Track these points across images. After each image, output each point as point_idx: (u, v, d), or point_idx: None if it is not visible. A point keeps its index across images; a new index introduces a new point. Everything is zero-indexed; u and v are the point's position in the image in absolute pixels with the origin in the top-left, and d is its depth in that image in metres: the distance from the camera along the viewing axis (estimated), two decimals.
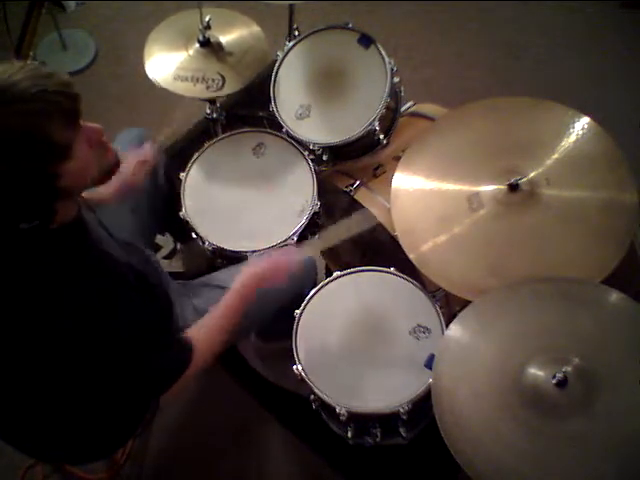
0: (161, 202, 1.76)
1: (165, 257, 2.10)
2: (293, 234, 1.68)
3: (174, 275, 1.62)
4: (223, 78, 1.83)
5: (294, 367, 1.48)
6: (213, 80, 1.83)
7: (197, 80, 1.82)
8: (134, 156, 1.60)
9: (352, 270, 1.60)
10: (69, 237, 1.11)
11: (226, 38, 1.89)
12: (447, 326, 1.36)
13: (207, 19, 1.83)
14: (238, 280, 1.39)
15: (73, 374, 1.15)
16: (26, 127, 0.96)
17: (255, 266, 1.41)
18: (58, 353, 1.10)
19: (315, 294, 1.57)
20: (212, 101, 1.97)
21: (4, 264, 1.08)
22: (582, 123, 1.46)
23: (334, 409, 1.42)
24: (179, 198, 1.75)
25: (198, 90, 1.82)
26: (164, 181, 1.78)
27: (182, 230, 1.78)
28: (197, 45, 1.86)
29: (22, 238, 1.06)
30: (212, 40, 1.86)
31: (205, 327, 1.32)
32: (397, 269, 1.58)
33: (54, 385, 1.19)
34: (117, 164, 1.17)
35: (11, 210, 1.02)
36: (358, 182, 1.74)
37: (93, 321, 1.08)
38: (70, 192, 1.07)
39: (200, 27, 1.83)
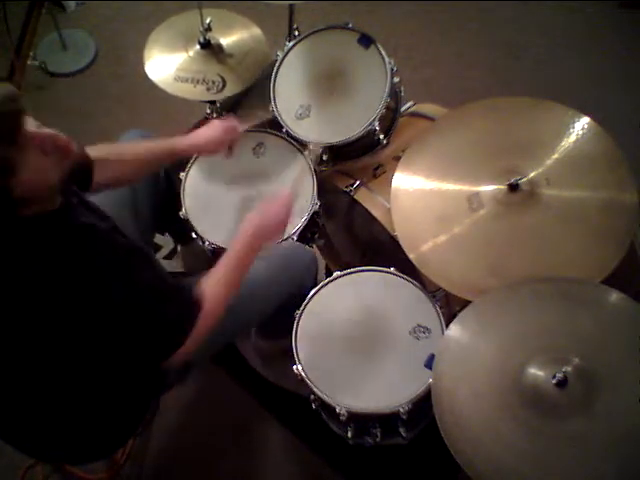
0: (161, 202, 1.76)
1: (165, 257, 2.10)
2: (293, 234, 1.68)
3: (174, 275, 1.62)
4: (223, 80, 1.83)
5: (294, 367, 1.48)
6: (213, 82, 1.83)
7: (197, 82, 1.82)
8: (218, 123, 1.61)
9: (352, 270, 1.60)
10: (52, 222, 1.11)
11: (226, 40, 1.89)
12: (447, 326, 1.36)
13: (208, 21, 1.83)
14: (243, 231, 1.36)
15: (75, 351, 1.15)
16: None
17: (255, 219, 1.38)
18: (56, 333, 1.12)
19: (315, 294, 1.57)
20: (212, 101, 1.97)
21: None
22: (582, 123, 1.46)
23: (334, 409, 1.42)
24: (179, 198, 1.75)
25: (198, 92, 1.82)
26: (164, 181, 1.78)
27: (182, 230, 1.78)
28: (197, 47, 1.86)
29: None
30: (212, 42, 1.86)
31: (215, 278, 1.30)
32: (397, 269, 1.58)
33: (55, 372, 1.19)
34: (86, 163, 1.21)
35: None
36: (358, 182, 1.74)
37: (86, 294, 1.09)
38: (31, 199, 1.06)
39: (201, 29, 1.83)
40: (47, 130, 1.07)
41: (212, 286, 1.28)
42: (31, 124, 1.04)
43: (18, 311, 1.11)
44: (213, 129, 1.59)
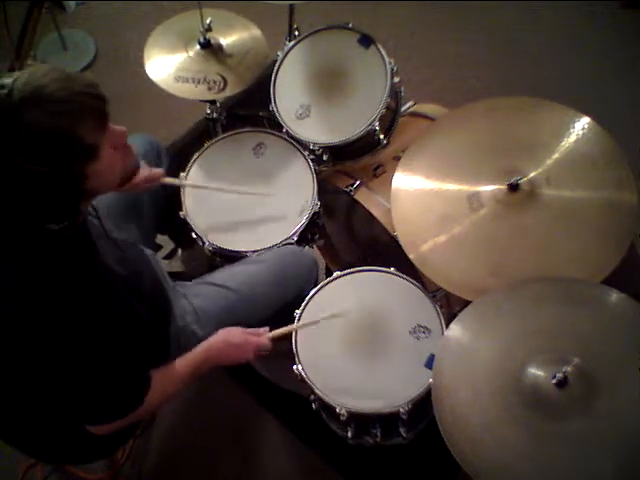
0: (163, 203, 1.76)
1: (165, 257, 2.10)
2: (293, 234, 1.68)
3: (174, 275, 1.62)
4: (224, 80, 1.82)
5: (294, 367, 1.48)
6: (214, 82, 1.82)
7: (198, 81, 1.82)
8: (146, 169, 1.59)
9: (352, 270, 1.60)
10: (77, 241, 1.12)
11: (226, 40, 1.89)
12: (447, 326, 1.36)
13: (208, 21, 1.83)
14: (207, 347, 1.37)
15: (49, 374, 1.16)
16: (56, 128, 0.97)
17: (223, 346, 1.39)
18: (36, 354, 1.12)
19: (315, 294, 1.57)
20: (212, 101, 1.97)
21: (26, 264, 1.08)
22: (582, 123, 1.46)
23: (334, 409, 1.42)
24: (179, 198, 1.74)
25: (199, 92, 1.81)
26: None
27: (182, 232, 1.77)
28: (197, 47, 1.86)
29: (49, 239, 1.07)
30: (212, 42, 1.86)
31: (168, 376, 1.31)
32: (397, 269, 1.58)
33: (43, 384, 1.20)
34: (137, 168, 1.20)
35: (39, 209, 1.03)
36: (358, 182, 1.74)
37: (69, 328, 1.09)
38: (94, 193, 1.09)
39: (201, 29, 1.83)
40: (118, 127, 1.09)
41: (162, 384, 1.29)
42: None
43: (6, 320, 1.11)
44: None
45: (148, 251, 1.52)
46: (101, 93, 1.03)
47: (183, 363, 1.34)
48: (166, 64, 1.85)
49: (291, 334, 1.51)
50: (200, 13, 1.81)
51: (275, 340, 1.45)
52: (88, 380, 1.16)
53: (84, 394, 1.18)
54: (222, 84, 1.82)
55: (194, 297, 1.54)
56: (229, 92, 1.83)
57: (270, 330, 1.46)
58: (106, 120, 1.04)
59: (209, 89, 1.82)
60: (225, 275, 1.61)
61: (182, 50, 1.87)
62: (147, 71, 1.84)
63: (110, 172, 1.09)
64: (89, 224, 1.20)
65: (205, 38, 1.85)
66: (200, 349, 1.37)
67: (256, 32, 1.92)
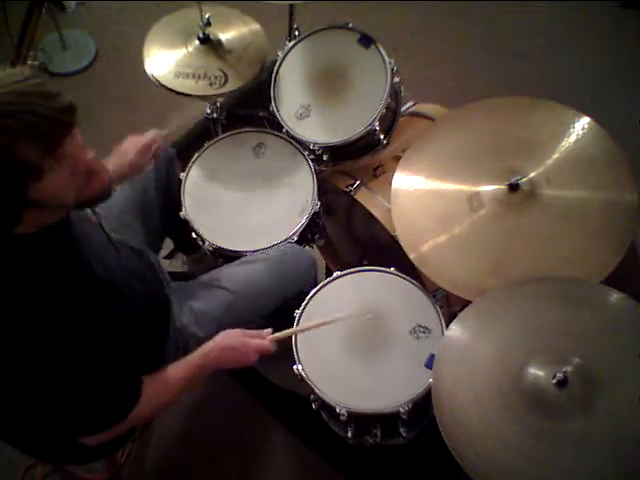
0: (171, 206, 1.75)
1: (165, 257, 2.10)
2: (293, 234, 1.68)
3: (174, 275, 1.62)
4: (225, 75, 1.82)
5: (294, 367, 1.48)
6: (215, 77, 1.82)
7: (199, 77, 1.82)
8: (133, 141, 1.56)
9: (352, 270, 1.60)
10: (42, 244, 1.09)
11: (226, 35, 1.89)
12: (447, 326, 1.36)
13: (207, 16, 1.83)
14: (205, 352, 1.34)
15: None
16: None
17: (223, 349, 1.35)
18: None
19: (315, 294, 1.57)
20: (213, 98, 1.96)
21: None
22: (582, 123, 1.46)
23: (334, 409, 1.42)
24: (179, 198, 1.74)
25: (201, 87, 1.81)
26: (175, 186, 1.77)
27: (185, 239, 1.76)
28: (197, 42, 1.86)
29: (11, 244, 1.05)
30: (212, 37, 1.86)
31: (161, 384, 1.28)
32: (397, 269, 1.58)
33: (22, 394, 1.18)
34: (104, 196, 1.15)
35: None
36: (358, 182, 1.74)
37: (40, 329, 1.07)
38: (40, 204, 1.04)
39: (200, 24, 1.83)
40: (90, 154, 1.07)
41: (156, 391, 1.26)
42: (78, 141, 1.04)
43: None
44: (122, 156, 1.53)
45: (152, 256, 1.51)
46: (61, 119, 0.99)
47: (179, 369, 1.31)
48: (166, 60, 1.85)
49: (293, 336, 1.51)
50: (199, 8, 1.81)
51: (278, 342, 1.43)
52: (65, 392, 1.13)
53: (63, 406, 1.16)
54: (223, 79, 1.82)
55: (193, 298, 1.54)
56: (230, 87, 1.82)
57: (273, 332, 1.44)
58: (55, 144, 0.99)
59: (210, 85, 1.81)
60: (224, 275, 1.60)
61: (181, 46, 1.87)
62: (147, 68, 1.83)
63: (59, 193, 1.05)
64: (82, 226, 1.19)
65: (204, 33, 1.84)
66: (197, 354, 1.34)
67: (255, 26, 1.92)
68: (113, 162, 1.50)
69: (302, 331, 1.51)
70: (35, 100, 0.97)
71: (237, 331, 1.39)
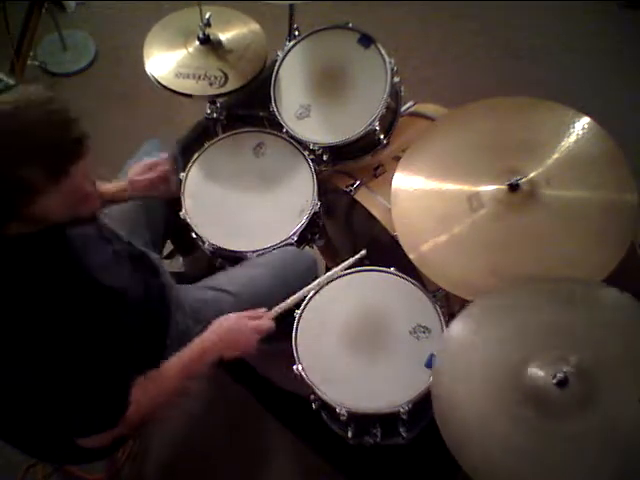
0: (173, 207, 1.74)
1: (165, 257, 2.10)
2: (293, 234, 1.68)
3: (174, 275, 1.61)
4: (225, 75, 1.82)
5: (294, 367, 1.48)
6: (215, 77, 1.82)
7: (199, 77, 1.82)
8: (139, 163, 1.60)
9: (352, 270, 1.60)
10: (35, 245, 1.10)
11: (225, 35, 1.89)
12: (447, 326, 1.36)
13: (207, 16, 1.83)
14: (200, 345, 1.33)
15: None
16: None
17: (219, 335, 1.35)
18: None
19: (315, 294, 1.57)
20: (212, 101, 1.97)
21: None
22: (582, 123, 1.46)
23: (334, 409, 1.42)
24: (179, 198, 1.74)
25: (201, 87, 1.81)
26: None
27: (183, 236, 1.76)
28: (197, 43, 1.86)
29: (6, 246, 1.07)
30: (212, 37, 1.86)
31: (157, 383, 1.28)
32: (397, 269, 1.58)
33: (18, 395, 1.20)
34: (90, 219, 1.19)
35: None
36: (358, 182, 1.74)
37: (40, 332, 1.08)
38: (27, 220, 1.07)
39: (200, 24, 1.83)
40: (90, 186, 1.11)
41: (151, 391, 1.25)
42: (84, 170, 1.07)
43: None
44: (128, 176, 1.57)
45: (157, 260, 1.51)
46: (71, 148, 1.03)
47: (175, 364, 1.30)
48: (166, 61, 1.85)
49: (291, 310, 1.51)
50: (199, 8, 1.81)
51: (276, 319, 1.42)
52: (58, 394, 1.14)
53: (55, 407, 1.17)
54: (223, 79, 1.82)
55: (195, 301, 1.54)
56: (230, 87, 1.82)
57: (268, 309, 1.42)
58: (60, 173, 1.03)
59: (210, 85, 1.82)
60: (225, 278, 1.61)
61: (182, 46, 1.87)
62: (147, 68, 1.83)
63: (48, 214, 1.08)
64: (81, 227, 1.19)
65: (204, 34, 1.85)
66: (193, 345, 1.33)
67: (255, 26, 1.92)
68: (116, 184, 1.55)
69: (296, 302, 1.51)
70: (54, 126, 1.02)
71: (232, 314, 1.39)
